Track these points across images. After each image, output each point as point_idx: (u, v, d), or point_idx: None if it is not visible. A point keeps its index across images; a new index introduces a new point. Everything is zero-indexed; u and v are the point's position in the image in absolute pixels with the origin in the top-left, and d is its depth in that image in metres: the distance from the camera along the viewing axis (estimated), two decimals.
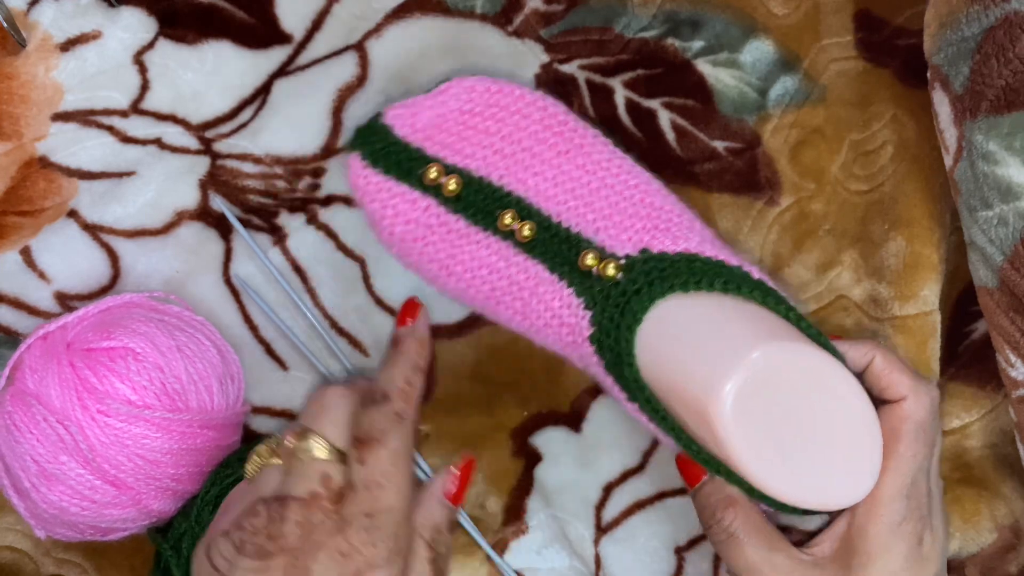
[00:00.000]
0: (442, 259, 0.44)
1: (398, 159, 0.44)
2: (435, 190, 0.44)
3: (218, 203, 0.47)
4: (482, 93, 0.45)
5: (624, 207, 0.43)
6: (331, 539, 0.35)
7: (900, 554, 0.41)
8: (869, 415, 0.40)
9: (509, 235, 0.43)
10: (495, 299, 0.44)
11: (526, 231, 0.43)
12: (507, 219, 0.43)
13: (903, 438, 0.41)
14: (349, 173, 0.44)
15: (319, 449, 0.37)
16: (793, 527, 0.44)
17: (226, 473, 0.45)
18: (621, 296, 0.41)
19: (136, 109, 0.47)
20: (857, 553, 0.41)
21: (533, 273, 0.43)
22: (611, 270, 0.42)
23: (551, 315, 0.43)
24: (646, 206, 0.43)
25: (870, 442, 0.40)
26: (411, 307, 0.43)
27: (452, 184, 0.43)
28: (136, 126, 0.47)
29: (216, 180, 0.48)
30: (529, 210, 0.43)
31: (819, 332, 0.41)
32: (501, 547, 0.51)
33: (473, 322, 0.49)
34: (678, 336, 0.41)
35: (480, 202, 0.43)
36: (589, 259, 0.42)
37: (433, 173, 0.43)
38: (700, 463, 0.42)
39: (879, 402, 0.41)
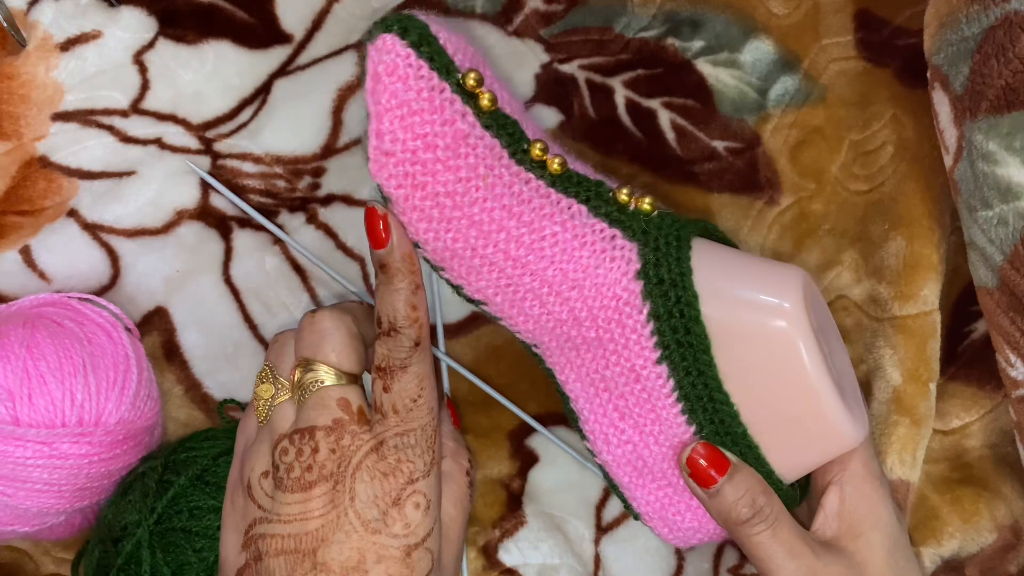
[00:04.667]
0: (471, 180, 0.37)
1: (439, 50, 0.36)
2: (471, 100, 0.37)
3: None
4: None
5: None
6: (368, 459, 0.37)
7: (892, 507, 0.42)
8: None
9: (538, 166, 0.38)
10: (527, 242, 0.38)
11: (556, 165, 0.38)
12: (538, 149, 0.38)
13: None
14: (378, 56, 0.35)
15: (327, 376, 0.39)
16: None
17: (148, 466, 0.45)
18: (670, 225, 0.40)
19: (136, 109, 0.47)
20: (857, 523, 0.41)
21: (565, 206, 0.39)
22: (647, 205, 0.40)
23: (592, 253, 0.39)
24: None
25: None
26: (375, 219, 0.37)
27: (487, 99, 0.36)
28: (136, 126, 0.47)
29: (216, 180, 0.48)
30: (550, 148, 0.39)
31: None
32: (498, 540, 0.51)
33: (472, 322, 0.49)
34: (722, 266, 0.40)
35: (508, 127, 0.38)
36: (624, 194, 0.40)
37: (472, 80, 0.36)
38: (730, 444, 0.40)
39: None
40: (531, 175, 0.38)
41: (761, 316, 0.38)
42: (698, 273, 0.39)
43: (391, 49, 0.35)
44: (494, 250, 0.38)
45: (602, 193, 0.39)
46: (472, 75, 0.36)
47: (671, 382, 0.40)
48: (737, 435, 0.40)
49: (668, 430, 0.41)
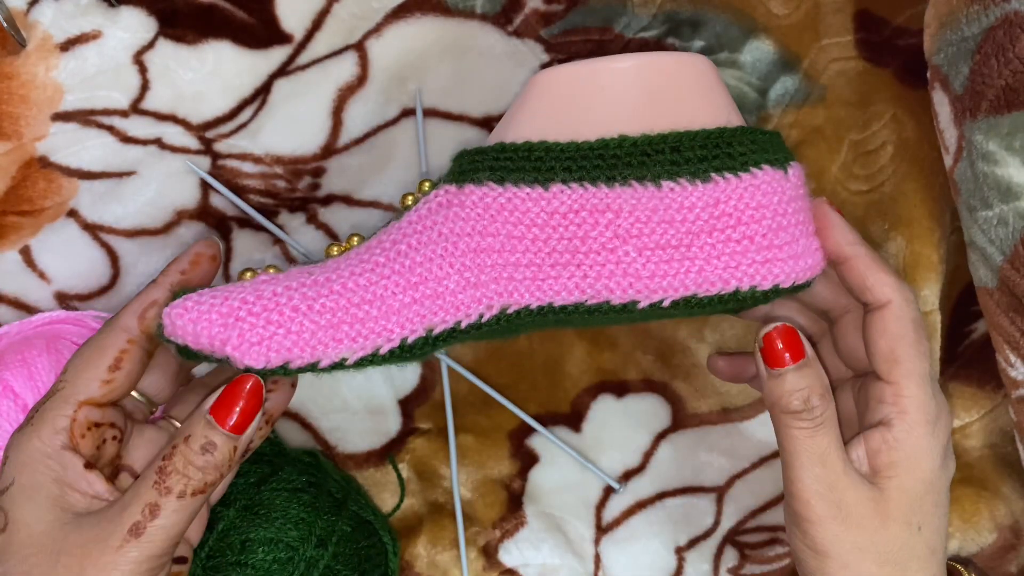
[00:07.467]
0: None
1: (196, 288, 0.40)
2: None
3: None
4: None
5: None
6: None
7: (937, 454, 0.38)
8: None
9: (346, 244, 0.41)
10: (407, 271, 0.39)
11: (355, 240, 0.41)
12: (334, 250, 0.41)
13: (907, 336, 0.38)
14: (174, 325, 0.37)
15: None
16: None
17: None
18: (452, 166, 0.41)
19: (136, 109, 0.47)
20: (891, 466, 0.38)
21: (386, 237, 0.40)
22: (427, 185, 0.41)
23: (427, 226, 0.40)
24: None
25: None
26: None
27: (271, 269, 0.40)
28: (136, 126, 0.47)
29: (216, 180, 0.48)
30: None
31: None
32: (498, 540, 0.51)
33: None
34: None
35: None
36: (410, 199, 0.41)
37: (247, 274, 0.40)
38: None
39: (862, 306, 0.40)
40: (348, 255, 0.40)
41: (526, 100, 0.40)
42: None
43: (178, 313, 0.37)
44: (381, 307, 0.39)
45: (401, 207, 0.41)
46: (247, 273, 0.39)
47: (566, 186, 0.39)
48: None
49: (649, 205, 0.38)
